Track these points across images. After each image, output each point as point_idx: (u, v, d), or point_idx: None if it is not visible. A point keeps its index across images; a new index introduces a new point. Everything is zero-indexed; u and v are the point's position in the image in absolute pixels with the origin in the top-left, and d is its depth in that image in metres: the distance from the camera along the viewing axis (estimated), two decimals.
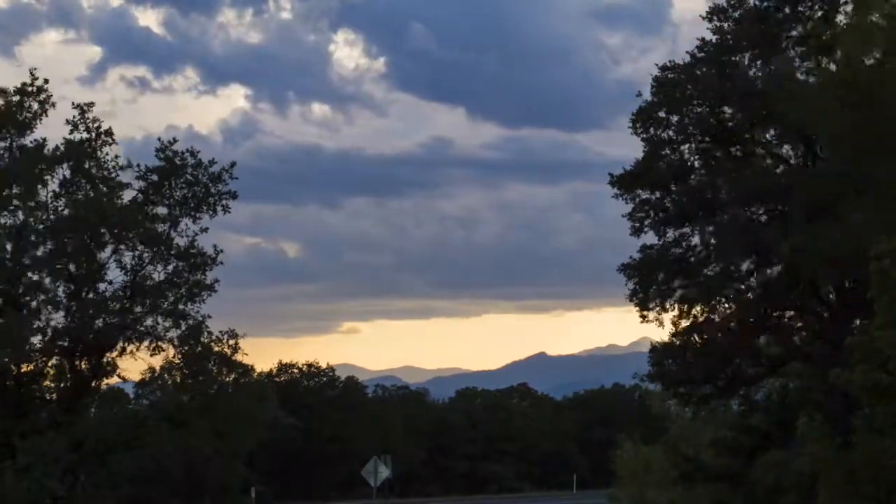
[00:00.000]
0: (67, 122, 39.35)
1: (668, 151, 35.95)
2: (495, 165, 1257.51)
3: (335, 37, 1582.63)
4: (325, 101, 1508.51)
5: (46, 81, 38.67)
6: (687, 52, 35.31)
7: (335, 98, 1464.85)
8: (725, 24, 34.98)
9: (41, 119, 38.78)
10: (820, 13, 33.61)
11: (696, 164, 36.26)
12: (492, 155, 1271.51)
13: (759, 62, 34.59)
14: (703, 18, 35.17)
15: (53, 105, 38.83)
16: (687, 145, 35.99)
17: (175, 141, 40.23)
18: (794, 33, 34.12)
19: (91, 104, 39.72)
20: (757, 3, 34.73)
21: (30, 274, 38.61)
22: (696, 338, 35.98)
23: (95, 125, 39.54)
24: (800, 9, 34.07)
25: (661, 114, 35.53)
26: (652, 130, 35.61)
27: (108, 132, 39.73)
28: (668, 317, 35.94)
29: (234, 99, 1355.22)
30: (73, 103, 39.75)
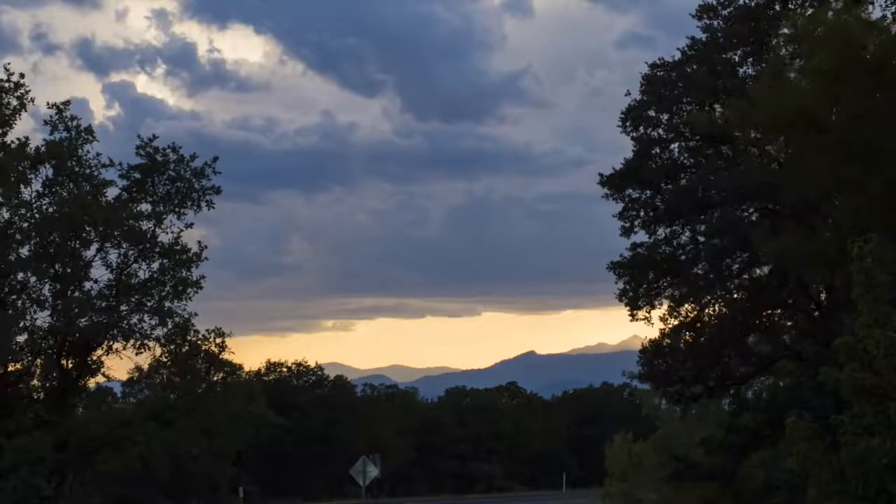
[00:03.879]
0: (46, 122, 39.05)
1: (658, 150, 35.87)
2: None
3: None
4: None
5: (23, 76, 38.39)
6: (678, 48, 35.29)
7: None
8: (715, 22, 34.89)
9: (20, 115, 38.44)
10: (810, 11, 33.47)
11: (687, 162, 36.16)
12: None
13: (749, 60, 34.53)
14: (693, 17, 35.11)
15: (32, 101, 38.47)
16: (677, 144, 35.92)
17: (155, 137, 40.02)
18: (784, 31, 34.00)
19: (67, 102, 39.41)
20: (747, 0, 34.63)
21: (15, 272, 38.34)
22: (686, 337, 35.87)
23: (74, 123, 39.25)
24: (790, 6, 33.97)
25: (651, 112, 35.44)
26: (642, 129, 35.54)
27: (88, 130, 39.44)
28: (657, 315, 35.88)
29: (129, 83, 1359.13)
30: (48, 103, 39.44)
